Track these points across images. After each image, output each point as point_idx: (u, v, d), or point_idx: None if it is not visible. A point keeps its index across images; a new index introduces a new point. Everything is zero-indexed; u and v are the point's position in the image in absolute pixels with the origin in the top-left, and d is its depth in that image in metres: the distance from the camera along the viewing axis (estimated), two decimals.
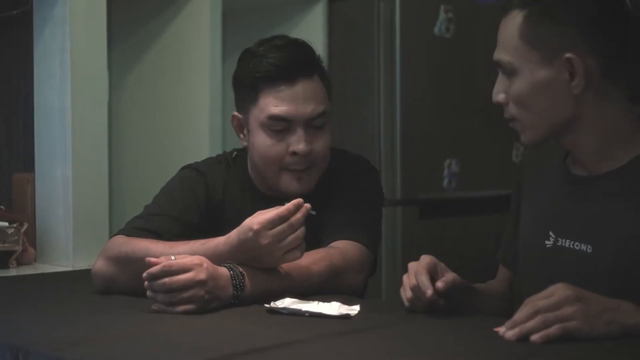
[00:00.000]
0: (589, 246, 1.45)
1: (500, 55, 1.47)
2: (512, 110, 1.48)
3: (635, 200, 1.41)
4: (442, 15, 3.14)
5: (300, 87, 1.75)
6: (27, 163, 2.49)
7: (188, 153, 2.78)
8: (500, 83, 1.49)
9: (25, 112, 2.49)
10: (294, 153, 1.75)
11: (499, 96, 1.49)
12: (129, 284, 1.66)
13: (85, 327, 1.44)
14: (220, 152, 2.74)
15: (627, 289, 1.38)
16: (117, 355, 1.26)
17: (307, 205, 1.58)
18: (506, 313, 1.51)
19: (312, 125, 1.76)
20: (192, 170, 1.86)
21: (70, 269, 2.31)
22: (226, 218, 1.80)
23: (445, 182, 3.15)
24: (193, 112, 2.81)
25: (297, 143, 1.75)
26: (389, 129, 3.07)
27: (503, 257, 1.71)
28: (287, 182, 1.77)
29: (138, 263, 1.58)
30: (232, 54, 3.26)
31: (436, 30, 3.14)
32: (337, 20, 3.19)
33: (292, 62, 1.76)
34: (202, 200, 1.82)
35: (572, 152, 1.51)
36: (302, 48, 1.81)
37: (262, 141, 1.77)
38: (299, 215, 1.56)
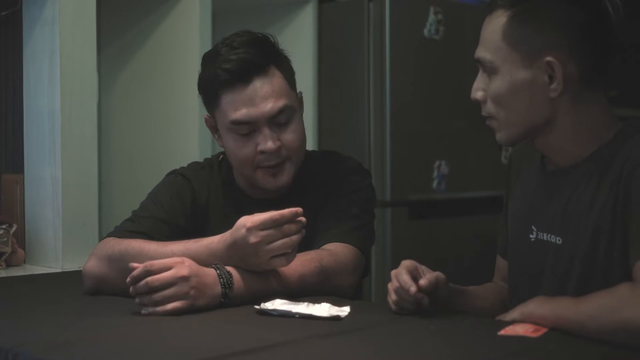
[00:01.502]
0: (558, 238, 1.48)
1: (481, 53, 1.49)
2: (489, 108, 1.51)
3: (598, 190, 1.43)
4: (431, 17, 3.15)
5: (256, 86, 1.74)
6: (17, 164, 2.48)
7: (178, 154, 2.78)
8: (480, 81, 1.52)
9: (14, 113, 2.48)
10: (263, 152, 1.76)
11: (477, 93, 1.52)
12: (120, 283, 1.66)
13: (74, 328, 1.44)
14: (209, 153, 2.76)
15: (596, 279, 1.40)
16: (106, 356, 1.26)
17: (303, 219, 1.58)
18: (495, 313, 1.52)
19: (276, 122, 1.76)
20: (177, 176, 1.89)
21: (59, 270, 2.31)
22: (211, 222, 1.82)
23: (434, 184, 3.15)
24: (183, 113, 2.81)
25: (264, 142, 1.75)
26: (378, 131, 3.07)
27: (502, 250, 1.72)
28: (263, 179, 1.79)
29: (132, 262, 1.59)
30: None
31: (426, 32, 3.14)
32: (326, 22, 3.19)
33: (244, 63, 1.74)
34: (188, 203, 1.83)
35: (544, 151, 1.54)
36: (256, 44, 1.78)
37: (231, 144, 1.78)
38: (292, 225, 1.57)
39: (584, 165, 1.47)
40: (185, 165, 1.95)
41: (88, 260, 1.75)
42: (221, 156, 1.92)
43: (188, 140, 2.77)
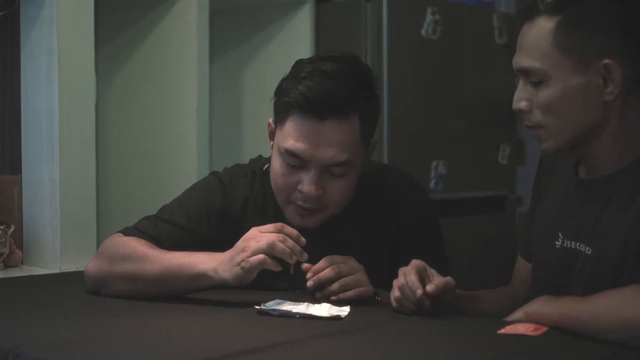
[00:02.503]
0: (588, 248, 1.47)
1: (527, 62, 1.45)
2: (537, 117, 1.46)
3: (631, 201, 1.42)
4: (428, 17, 3.15)
5: (328, 128, 1.59)
6: (14, 165, 2.48)
7: (175, 154, 2.78)
8: (522, 90, 1.47)
9: (12, 113, 2.48)
10: (301, 191, 1.65)
11: (520, 104, 1.48)
12: (119, 285, 1.66)
13: (74, 328, 1.44)
14: (207, 153, 2.76)
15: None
16: (106, 356, 1.26)
17: (302, 240, 1.56)
18: (504, 316, 1.49)
19: (329, 170, 1.64)
20: (217, 180, 1.79)
21: (57, 271, 2.30)
22: (243, 233, 1.64)
23: (432, 184, 3.15)
24: (180, 113, 2.80)
25: (306, 184, 1.63)
26: (376, 131, 3.07)
27: (524, 251, 1.70)
28: (291, 214, 1.69)
29: (134, 264, 1.61)
30: (219, 55, 3.28)
31: (423, 32, 3.14)
32: (324, 22, 3.19)
33: (326, 98, 1.59)
34: (215, 212, 1.75)
35: (584, 158, 1.52)
36: (350, 80, 1.61)
37: (277, 167, 1.67)
38: (286, 243, 1.53)
39: (619, 177, 1.45)
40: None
41: (91, 259, 1.74)
42: (267, 165, 1.78)
43: (186, 140, 2.77)
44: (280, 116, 1.66)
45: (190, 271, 1.59)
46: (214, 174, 1.83)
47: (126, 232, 1.74)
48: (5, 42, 2.49)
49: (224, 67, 3.32)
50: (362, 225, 1.72)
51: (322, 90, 1.59)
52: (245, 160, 1.90)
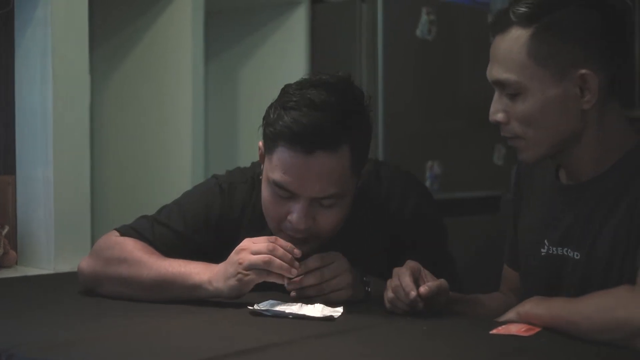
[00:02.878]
0: (576, 253, 1.46)
1: (502, 74, 1.43)
2: (515, 128, 1.45)
3: (615, 204, 1.42)
4: (423, 18, 3.16)
5: (316, 162, 1.53)
6: (8, 165, 2.48)
7: (170, 155, 2.78)
8: (498, 102, 1.46)
9: (6, 113, 2.48)
10: (291, 222, 1.60)
11: (497, 115, 1.46)
12: (116, 288, 1.66)
13: (68, 329, 1.43)
14: (202, 154, 2.76)
15: None
16: (100, 357, 1.26)
17: (297, 251, 1.55)
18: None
19: (319, 201, 1.58)
20: (217, 185, 1.76)
21: (51, 271, 2.30)
22: (240, 240, 1.62)
23: (427, 184, 3.15)
24: (175, 113, 2.80)
25: (295, 217, 1.58)
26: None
27: (509, 259, 1.69)
28: (283, 240, 1.62)
29: (129, 268, 1.62)
30: (214, 56, 3.28)
31: (418, 32, 3.15)
32: (319, 22, 3.19)
33: (314, 131, 1.52)
34: (213, 219, 1.73)
35: (565, 165, 1.51)
36: (337, 111, 1.54)
37: (266, 196, 1.62)
38: (276, 254, 1.54)
39: (602, 181, 1.45)
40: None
41: (85, 258, 1.73)
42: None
43: (181, 140, 2.77)
44: (268, 145, 1.60)
45: (186, 282, 1.60)
46: (215, 177, 1.80)
47: (123, 231, 1.74)
48: (0, 43, 2.49)
49: (219, 68, 3.32)
50: (359, 232, 1.70)
51: (309, 124, 1.52)
52: (240, 161, 1.89)
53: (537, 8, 1.41)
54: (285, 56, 3.14)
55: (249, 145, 3.12)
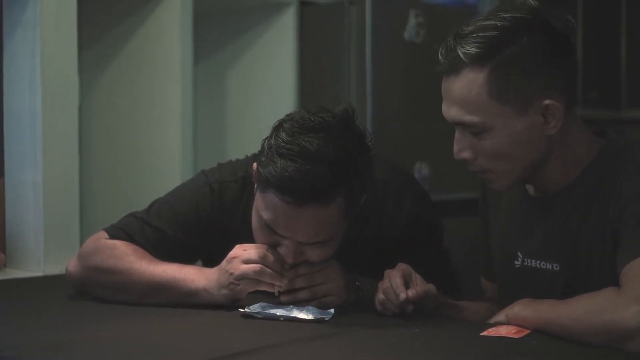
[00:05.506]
0: (555, 265, 1.47)
1: (464, 117, 1.42)
2: (484, 164, 1.45)
3: (588, 212, 1.44)
4: (412, 20, 3.16)
5: (306, 214, 1.49)
6: None
7: (160, 157, 2.77)
8: (462, 140, 1.46)
9: None
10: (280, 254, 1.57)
11: (464, 154, 1.46)
12: (107, 293, 1.66)
13: (59, 332, 1.44)
14: (192, 156, 2.75)
15: None
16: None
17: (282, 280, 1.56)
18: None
19: (309, 243, 1.56)
20: (207, 185, 1.72)
21: (41, 274, 2.29)
22: (234, 241, 1.62)
23: None
24: (164, 115, 2.80)
25: (284, 251, 1.56)
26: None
27: (485, 272, 1.70)
28: None
29: (121, 276, 1.62)
30: (203, 57, 3.28)
31: (406, 34, 3.16)
32: (308, 24, 3.19)
33: (306, 186, 1.46)
34: (205, 219, 1.71)
35: (534, 182, 1.51)
36: (333, 165, 1.47)
37: (256, 225, 1.58)
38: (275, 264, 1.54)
39: (571, 190, 1.46)
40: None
41: (73, 259, 1.73)
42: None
43: (170, 142, 2.76)
44: (260, 182, 1.55)
45: (182, 288, 1.60)
46: (205, 175, 1.76)
47: (112, 232, 1.72)
48: None
49: (208, 69, 3.31)
50: (354, 239, 1.68)
51: (302, 179, 1.46)
52: None
53: (488, 47, 1.39)
54: (274, 58, 3.13)
55: (237, 147, 3.12)
